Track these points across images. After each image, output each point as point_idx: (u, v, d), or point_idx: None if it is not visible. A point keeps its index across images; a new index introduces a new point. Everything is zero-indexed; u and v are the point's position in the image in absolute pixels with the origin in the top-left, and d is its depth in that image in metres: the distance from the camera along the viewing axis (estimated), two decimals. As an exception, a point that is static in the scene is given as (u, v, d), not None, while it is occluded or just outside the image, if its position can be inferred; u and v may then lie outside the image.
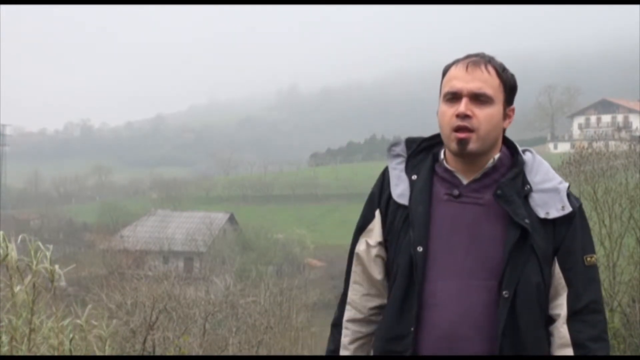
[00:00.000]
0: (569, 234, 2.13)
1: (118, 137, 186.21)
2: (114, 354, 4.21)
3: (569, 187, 2.18)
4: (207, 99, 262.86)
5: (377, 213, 2.25)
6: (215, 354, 9.89)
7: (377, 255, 2.24)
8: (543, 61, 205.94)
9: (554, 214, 2.11)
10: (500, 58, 2.20)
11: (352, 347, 2.27)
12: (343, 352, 2.27)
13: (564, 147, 60.67)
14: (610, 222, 12.26)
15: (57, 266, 3.25)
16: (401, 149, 2.28)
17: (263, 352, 11.40)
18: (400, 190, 2.20)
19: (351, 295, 2.29)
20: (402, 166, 2.25)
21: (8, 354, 3.25)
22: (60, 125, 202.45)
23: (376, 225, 2.25)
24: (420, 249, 2.11)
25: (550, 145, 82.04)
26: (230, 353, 10.26)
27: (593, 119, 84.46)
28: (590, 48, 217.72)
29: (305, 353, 13.32)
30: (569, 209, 2.13)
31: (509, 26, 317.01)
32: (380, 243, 2.24)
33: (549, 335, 2.14)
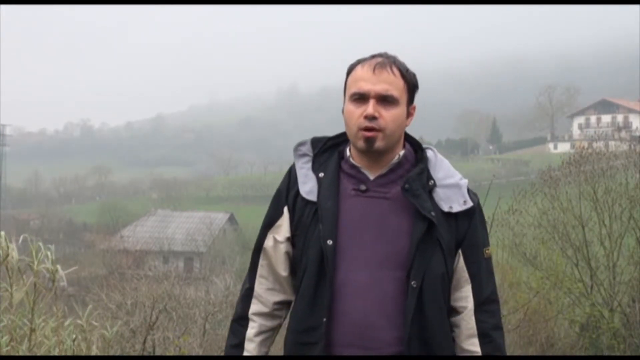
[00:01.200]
0: (470, 228, 2.23)
1: (118, 137, 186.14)
2: (114, 354, 4.21)
3: (468, 183, 2.28)
4: (207, 99, 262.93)
5: (285, 210, 2.30)
6: (215, 354, 9.89)
7: (285, 252, 2.29)
8: (543, 61, 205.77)
9: (457, 208, 2.20)
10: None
11: (258, 339, 2.31)
12: (248, 345, 2.31)
13: (564, 147, 60.71)
14: (610, 222, 12.26)
15: (59, 267, 3.25)
16: (307, 148, 2.34)
17: (263, 352, 11.39)
18: (308, 187, 2.26)
19: (257, 288, 2.34)
20: (309, 165, 2.30)
21: (8, 354, 3.25)
22: (60, 125, 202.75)
23: (284, 221, 2.30)
24: (330, 242, 2.16)
25: (550, 145, 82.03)
26: (230, 353, 10.26)
27: (593, 119, 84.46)
28: (590, 48, 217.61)
29: (305, 353, 13.33)
30: (470, 203, 2.22)
31: (509, 26, 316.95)
32: (288, 239, 2.29)
33: (452, 326, 2.22)
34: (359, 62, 2.24)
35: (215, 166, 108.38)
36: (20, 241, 3.30)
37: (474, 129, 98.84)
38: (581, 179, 12.75)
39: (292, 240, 2.29)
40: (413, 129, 2.32)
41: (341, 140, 2.33)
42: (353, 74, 2.23)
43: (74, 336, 3.42)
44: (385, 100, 2.17)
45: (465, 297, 2.22)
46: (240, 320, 2.35)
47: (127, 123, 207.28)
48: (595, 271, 12.39)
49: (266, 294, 2.32)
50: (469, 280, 2.22)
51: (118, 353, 6.39)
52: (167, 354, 7.89)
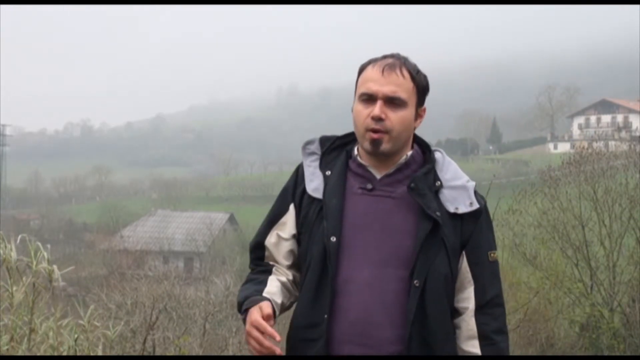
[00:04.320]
0: (475, 230, 2.23)
1: (118, 137, 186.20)
2: (114, 353, 4.21)
3: (475, 185, 2.28)
4: (207, 99, 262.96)
5: (292, 207, 2.31)
6: (215, 354, 9.89)
7: (289, 250, 2.30)
8: (543, 61, 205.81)
9: (463, 209, 2.20)
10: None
11: (277, 284, 2.27)
12: (271, 284, 2.26)
13: (564, 147, 60.71)
14: (610, 222, 12.27)
15: (55, 266, 3.25)
16: (315, 147, 2.34)
17: (263, 352, 11.38)
18: (314, 185, 2.26)
19: (268, 260, 2.34)
20: (317, 163, 2.31)
21: (8, 354, 3.25)
22: (60, 125, 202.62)
23: (289, 218, 2.30)
24: (333, 239, 2.16)
25: (550, 146, 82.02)
26: (230, 353, 10.25)
27: (593, 119, 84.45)
28: (590, 48, 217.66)
29: (305, 353, 13.32)
30: (476, 205, 2.22)
31: (510, 26, 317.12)
32: (293, 236, 2.30)
33: (454, 327, 2.22)
34: (370, 62, 2.24)
35: (215, 166, 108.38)
36: (18, 241, 3.30)
37: (474, 129, 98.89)
38: (581, 179, 12.75)
39: (297, 237, 2.29)
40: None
41: (350, 139, 2.33)
42: (363, 74, 2.24)
43: (75, 336, 3.42)
44: (392, 102, 2.17)
45: (467, 299, 2.22)
46: (257, 263, 2.35)
47: (127, 123, 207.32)
48: (595, 271, 12.40)
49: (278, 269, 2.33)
50: (472, 282, 2.22)
51: (118, 353, 6.39)
52: (167, 354, 7.89)
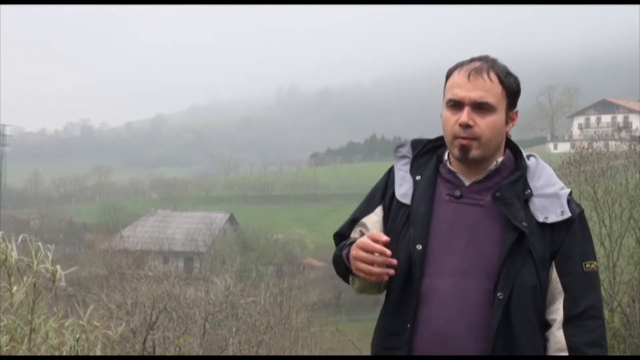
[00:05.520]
0: (567, 240, 2.14)
1: (118, 137, 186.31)
2: (114, 353, 4.21)
3: (570, 193, 2.19)
4: (207, 99, 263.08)
5: (380, 209, 2.28)
6: (215, 354, 9.89)
7: None
8: (543, 61, 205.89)
9: (553, 218, 2.13)
10: (500, 57, 2.20)
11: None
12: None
13: (564, 147, 60.65)
14: (610, 222, 12.27)
15: (58, 266, 3.25)
16: (407, 150, 2.31)
17: (263, 352, 11.39)
18: (403, 190, 2.23)
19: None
20: (407, 167, 2.28)
21: (8, 354, 3.25)
22: (60, 125, 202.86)
23: (373, 219, 2.27)
24: (419, 247, 2.13)
25: (550, 146, 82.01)
26: (230, 353, 10.26)
27: (593, 119, 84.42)
28: (590, 48, 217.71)
29: (305, 353, 13.32)
30: (568, 214, 2.14)
31: (510, 26, 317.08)
32: None
33: (545, 341, 2.14)
34: (456, 66, 2.19)
35: (215, 166, 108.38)
36: (19, 241, 3.30)
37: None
38: (581, 179, 12.75)
39: None
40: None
41: (442, 142, 2.27)
42: (450, 79, 2.18)
43: (77, 336, 3.42)
44: (480, 107, 2.12)
45: (556, 310, 2.13)
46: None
47: (127, 123, 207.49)
48: (595, 271, 12.39)
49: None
50: (562, 293, 2.13)
51: (118, 353, 6.39)
52: (167, 354, 7.90)
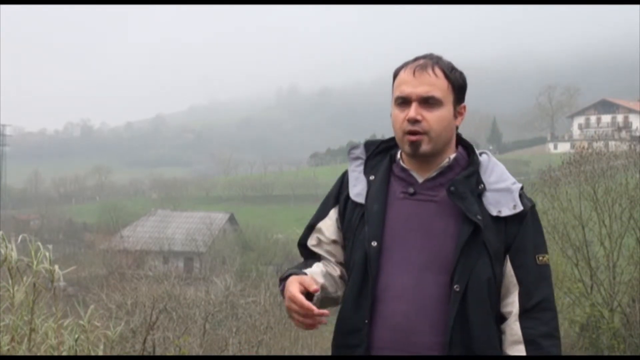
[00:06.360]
0: (520, 233, 2.18)
1: (118, 137, 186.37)
2: (114, 353, 4.21)
3: (522, 188, 2.24)
4: (207, 99, 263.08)
5: (333, 212, 2.31)
6: (215, 354, 9.90)
7: (331, 253, 2.30)
8: (543, 61, 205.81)
9: (506, 212, 2.16)
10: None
11: (321, 267, 2.27)
12: (315, 268, 2.26)
13: (564, 147, 60.72)
14: (610, 222, 12.27)
15: (57, 266, 3.25)
16: (360, 151, 2.34)
17: (263, 352, 11.39)
18: (357, 190, 2.26)
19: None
20: (361, 168, 2.31)
21: (8, 353, 3.25)
22: (60, 125, 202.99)
23: (328, 224, 2.31)
24: (374, 243, 2.16)
25: (550, 145, 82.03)
26: (230, 353, 10.27)
27: (593, 119, 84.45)
28: (590, 48, 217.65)
29: (305, 353, 13.31)
30: (520, 208, 2.18)
31: (510, 26, 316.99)
32: (334, 241, 2.30)
33: (500, 333, 2.17)
34: (402, 65, 2.23)
35: (215, 166, 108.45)
36: (19, 241, 3.30)
37: (474, 129, 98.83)
38: (581, 179, 12.76)
39: (342, 243, 2.29)
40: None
41: (394, 143, 2.30)
42: (397, 78, 2.22)
43: (76, 336, 3.42)
44: (427, 102, 2.15)
45: (511, 303, 2.17)
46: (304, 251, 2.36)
47: (127, 123, 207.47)
48: (595, 271, 12.40)
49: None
50: (517, 286, 2.17)
51: (118, 353, 6.38)
52: (167, 354, 7.90)
